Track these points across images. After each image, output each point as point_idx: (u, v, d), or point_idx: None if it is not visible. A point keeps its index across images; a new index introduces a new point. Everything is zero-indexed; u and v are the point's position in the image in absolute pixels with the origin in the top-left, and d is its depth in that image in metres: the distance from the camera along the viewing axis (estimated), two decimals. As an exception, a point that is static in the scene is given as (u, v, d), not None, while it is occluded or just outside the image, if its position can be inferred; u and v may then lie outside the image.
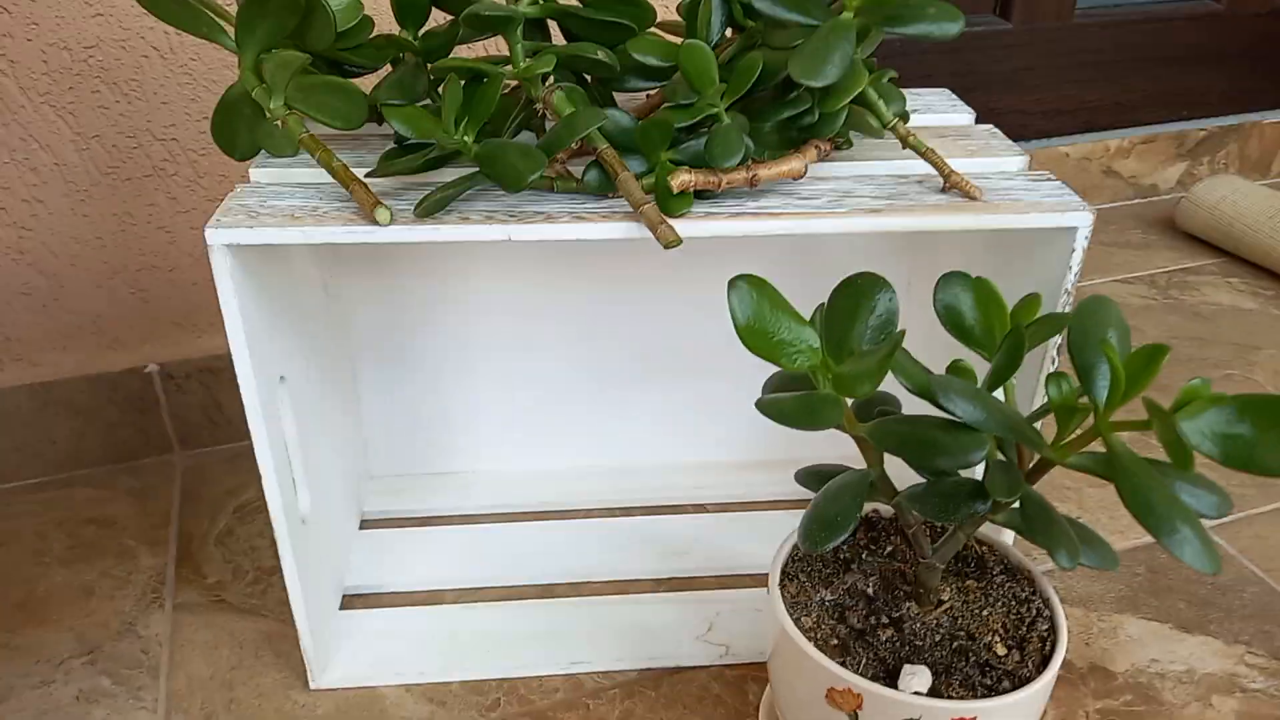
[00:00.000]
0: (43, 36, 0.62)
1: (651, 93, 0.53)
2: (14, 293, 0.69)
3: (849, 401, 0.44)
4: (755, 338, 0.43)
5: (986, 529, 0.53)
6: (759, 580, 0.66)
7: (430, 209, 0.44)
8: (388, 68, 0.52)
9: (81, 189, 0.67)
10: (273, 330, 0.50)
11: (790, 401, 0.43)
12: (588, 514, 0.71)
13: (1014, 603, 0.50)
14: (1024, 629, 0.49)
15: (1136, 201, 1.22)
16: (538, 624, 0.62)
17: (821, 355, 0.44)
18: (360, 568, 0.65)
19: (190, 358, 0.74)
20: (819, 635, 0.48)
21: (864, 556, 0.53)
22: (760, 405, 0.44)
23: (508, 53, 0.47)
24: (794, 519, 0.48)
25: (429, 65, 0.50)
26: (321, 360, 0.60)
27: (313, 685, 0.58)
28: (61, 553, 0.68)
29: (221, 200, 0.71)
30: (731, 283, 0.43)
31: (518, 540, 0.68)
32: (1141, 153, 1.19)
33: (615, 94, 0.52)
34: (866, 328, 0.44)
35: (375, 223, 0.43)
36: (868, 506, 0.55)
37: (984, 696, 0.45)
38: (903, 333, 0.41)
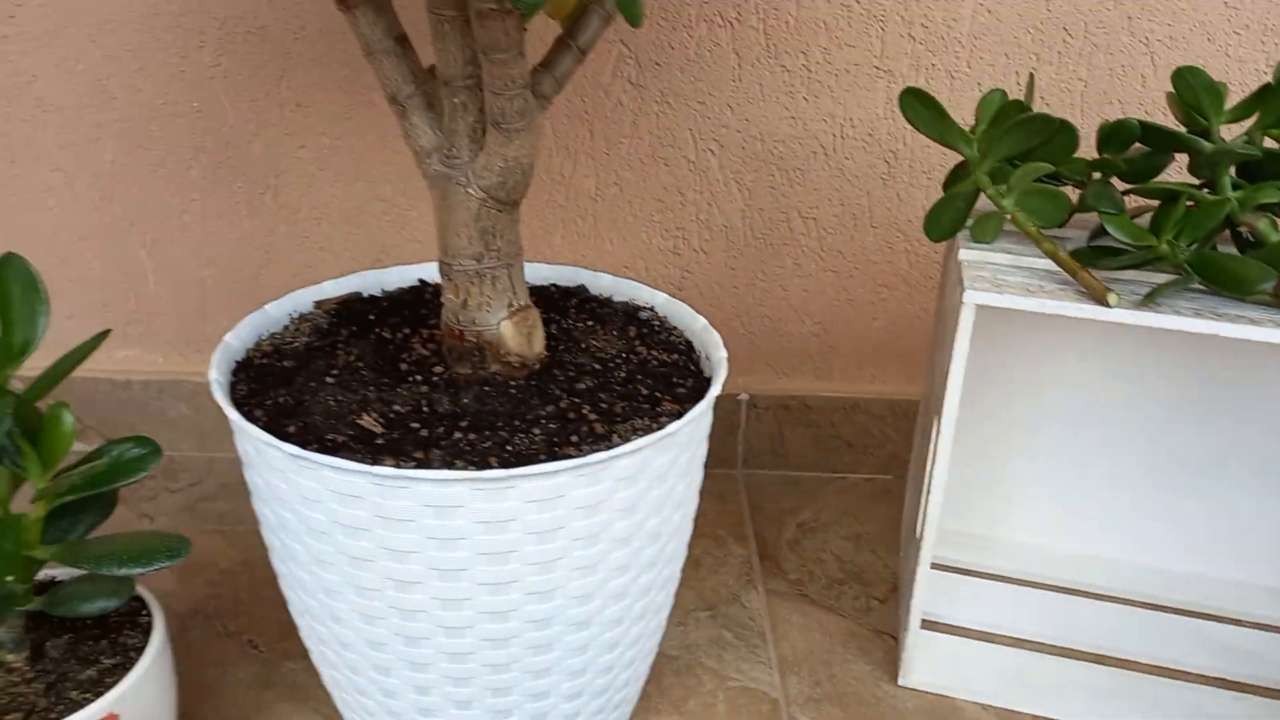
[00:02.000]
0: (746, 130, 0.81)
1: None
2: (665, 320, 0.88)
3: None
4: None
5: None
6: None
7: (1152, 299, 0.54)
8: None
9: (736, 247, 0.85)
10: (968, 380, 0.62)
11: None
12: (1128, 601, 0.76)
13: None
14: None
15: None
16: (1096, 683, 0.68)
17: None
18: (930, 600, 0.75)
19: (773, 393, 0.90)
20: None
21: None
22: None
23: (1192, 179, 0.57)
24: None
25: (1120, 182, 0.61)
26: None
27: (900, 681, 0.68)
28: (672, 529, 0.85)
29: (860, 269, 0.86)
30: None
31: (1067, 608, 0.75)
32: None
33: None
34: None
35: (1104, 304, 0.54)
36: None
37: None
38: None
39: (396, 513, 0.45)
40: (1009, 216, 0.60)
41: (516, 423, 0.51)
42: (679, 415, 0.51)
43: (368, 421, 0.50)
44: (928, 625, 0.73)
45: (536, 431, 0.50)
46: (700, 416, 0.51)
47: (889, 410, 0.91)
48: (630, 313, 0.63)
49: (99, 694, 0.50)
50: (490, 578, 0.47)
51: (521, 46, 0.43)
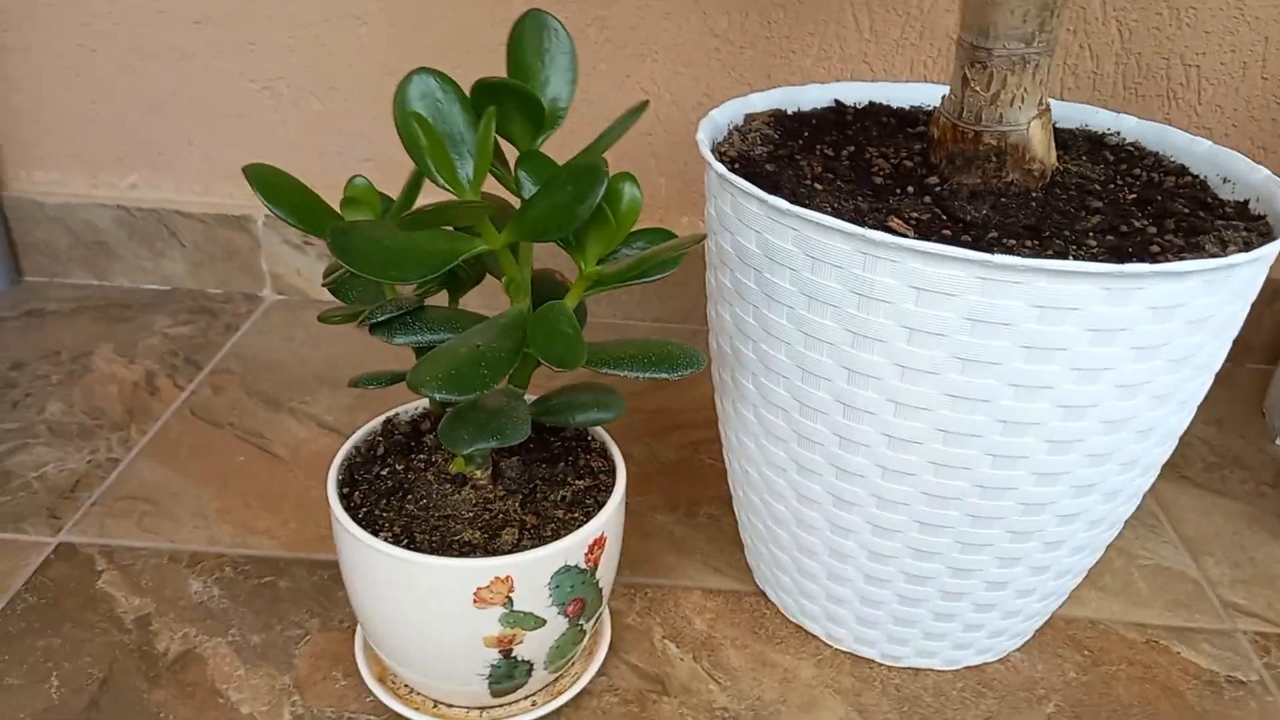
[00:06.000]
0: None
1: None
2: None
3: None
4: None
5: None
6: None
7: None
8: None
9: (1102, 98, 0.77)
10: None
11: None
12: None
13: None
14: None
15: None
16: None
17: None
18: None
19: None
20: None
21: None
22: None
23: None
24: None
25: None
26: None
27: (1335, 566, 0.62)
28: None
29: (1238, 126, 0.76)
30: None
31: None
32: None
33: None
34: None
35: None
36: None
37: None
38: None
39: (991, 314, 0.39)
40: None
41: (1066, 233, 0.44)
42: (1246, 229, 0.45)
43: (897, 225, 0.44)
44: (1352, 511, 0.66)
45: (1092, 243, 0.44)
46: None
47: (1237, 290, 0.83)
48: (1096, 140, 0.56)
49: (585, 512, 0.47)
50: (1071, 398, 0.41)
51: None
